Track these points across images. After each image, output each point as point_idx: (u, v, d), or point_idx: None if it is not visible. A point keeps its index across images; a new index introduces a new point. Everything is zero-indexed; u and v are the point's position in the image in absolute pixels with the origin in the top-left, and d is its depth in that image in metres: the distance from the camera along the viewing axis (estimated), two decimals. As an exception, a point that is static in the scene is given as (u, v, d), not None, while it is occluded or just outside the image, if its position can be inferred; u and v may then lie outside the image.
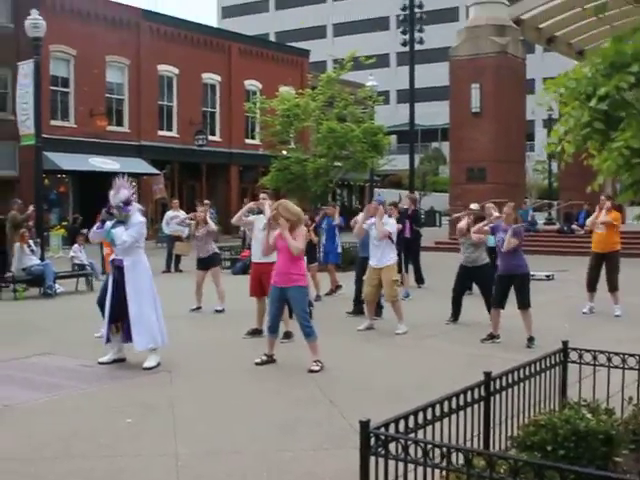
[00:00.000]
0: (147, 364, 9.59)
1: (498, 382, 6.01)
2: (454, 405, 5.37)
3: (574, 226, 30.15)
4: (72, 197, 36.00)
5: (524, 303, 11.34)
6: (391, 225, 12.57)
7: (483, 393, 5.83)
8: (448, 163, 71.36)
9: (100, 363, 9.80)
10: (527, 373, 6.41)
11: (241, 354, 10.49)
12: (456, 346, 11.25)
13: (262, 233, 11.00)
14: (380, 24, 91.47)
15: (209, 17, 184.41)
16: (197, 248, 15.16)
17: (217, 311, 14.51)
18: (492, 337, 11.51)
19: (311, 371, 9.29)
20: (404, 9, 28.24)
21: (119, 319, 9.80)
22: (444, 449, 4.45)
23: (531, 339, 11.21)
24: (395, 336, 12.03)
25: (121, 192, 9.83)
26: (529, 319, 11.38)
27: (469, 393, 5.58)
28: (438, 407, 5.18)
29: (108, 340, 9.91)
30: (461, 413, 5.41)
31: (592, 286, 14.53)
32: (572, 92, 4.79)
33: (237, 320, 13.04)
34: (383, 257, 12.37)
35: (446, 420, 5.22)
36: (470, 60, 31.92)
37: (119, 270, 9.78)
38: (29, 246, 17.90)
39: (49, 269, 17.60)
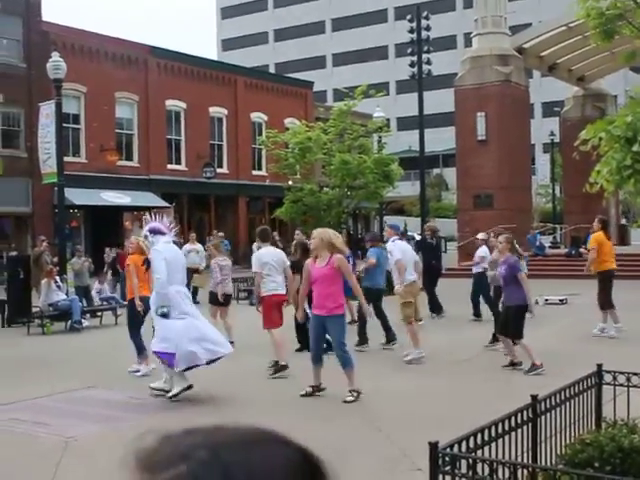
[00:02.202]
0: (171, 392, 9.89)
1: (543, 404, 6.45)
2: (507, 426, 5.82)
3: (582, 249, 30.53)
4: (84, 231, 36.49)
5: (514, 334, 11.44)
6: (394, 253, 12.95)
7: (531, 415, 6.26)
8: (451, 189, 72.09)
9: (151, 388, 10.19)
10: (567, 395, 6.84)
11: (275, 385, 10.87)
12: (479, 373, 11.55)
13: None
14: (378, 53, 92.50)
15: (209, 50, 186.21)
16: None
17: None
18: (513, 364, 11.60)
19: (345, 402, 9.46)
20: (411, 41, 28.90)
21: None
22: (510, 466, 4.89)
23: (533, 366, 11.19)
24: (422, 364, 12.23)
25: (149, 224, 10.50)
26: (525, 349, 11.40)
27: (519, 415, 6.03)
28: (494, 428, 5.62)
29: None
30: (512, 433, 5.85)
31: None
32: (612, 136, 5.26)
33: (257, 351, 13.05)
34: (394, 281, 12.95)
35: (500, 440, 5.65)
36: (475, 89, 32.56)
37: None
38: (56, 282, 18.34)
39: (76, 304, 18.00)
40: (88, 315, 19.09)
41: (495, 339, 13.04)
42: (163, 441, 1.02)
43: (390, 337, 14.00)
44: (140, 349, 11.85)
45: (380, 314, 14.01)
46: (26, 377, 11.92)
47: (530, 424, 6.22)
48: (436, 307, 18.49)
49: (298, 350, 12.98)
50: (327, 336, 10.50)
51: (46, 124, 21.54)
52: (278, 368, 11.40)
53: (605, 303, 14.47)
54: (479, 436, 5.43)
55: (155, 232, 10.36)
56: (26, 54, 33.32)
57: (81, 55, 35.11)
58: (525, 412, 6.14)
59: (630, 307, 17.15)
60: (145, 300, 11.40)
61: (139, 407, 9.57)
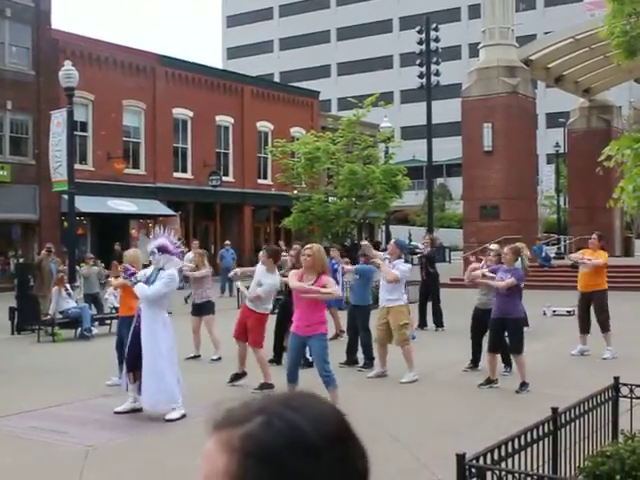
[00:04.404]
0: (169, 416, 9.37)
1: (563, 417, 6.52)
2: (529, 438, 5.91)
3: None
4: (90, 238, 36.59)
5: (515, 349, 11.14)
6: (401, 268, 12.23)
7: (551, 427, 6.33)
8: (455, 199, 72.15)
9: (116, 412, 9.68)
10: (586, 408, 6.92)
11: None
12: (470, 389, 11.28)
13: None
14: (383, 63, 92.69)
15: (214, 58, 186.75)
16: (193, 293, 14.82)
17: (213, 360, 13.92)
18: (490, 382, 11.23)
19: None
20: (420, 52, 29.04)
21: (136, 368, 9.74)
22: (538, 479, 4.97)
23: (523, 385, 10.91)
24: (427, 378, 11.87)
25: (157, 240, 9.95)
26: (521, 365, 11.08)
27: (540, 427, 6.11)
28: (517, 440, 5.71)
29: (127, 388, 9.92)
30: (533, 445, 5.94)
31: (584, 328, 14.15)
32: (638, 154, 5.34)
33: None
34: (391, 296, 12.14)
35: (522, 452, 5.75)
36: (481, 100, 32.69)
37: (140, 319, 9.78)
38: (66, 290, 18.43)
39: (86, 312, 18.09)
40: (97, 323, 19.14)
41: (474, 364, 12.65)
42: (237, 405, 1.21)
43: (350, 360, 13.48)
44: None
45: (369, 335, 13.23)
46: (39, 385, 11.97)
47: (551, 436, 6.30)
48: (439, 319, 18.49)
49: (270, 361, 12.42)
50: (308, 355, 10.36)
51: (57, 132, 21.68)
52: (265, 385, 11.01)
53: (608, 323, 13.87)
54: (503, 448, 5.51)
55: (163, 251, 9.84)
56: (35, 62, 33.46)
57: (89, 63, 35.23)
58: (546, 424, 6.22)
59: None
60: (127, 320, 10.69)
61: (154, 415, 9.58)
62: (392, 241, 13.42)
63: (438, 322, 18.39)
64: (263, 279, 11.29)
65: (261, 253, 11.80)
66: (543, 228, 60.45)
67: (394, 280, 12.14)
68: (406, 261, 12.95)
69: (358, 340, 13.45)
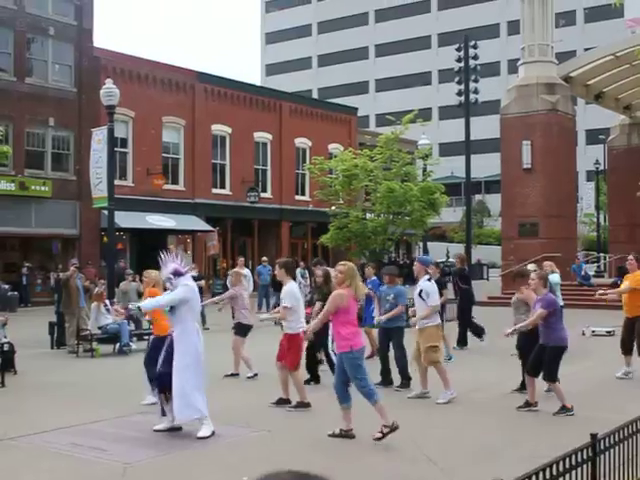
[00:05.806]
0: (201, 434, 9.44)
1: (602, 443, 6.43)
2: (567, 464, 5.83)
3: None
4: (129, 253, 36.92)
5: (548, 376, 10.96)
6: (433, 296, 12.14)
7: (590, 453, 6.24)
8: (493, 216, 71.63)
9: (155, 431, 9.78)
10: (626, 434, 6.81)
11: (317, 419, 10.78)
12: (508, 412, 11.15)
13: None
14: (421, 79, 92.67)
15: (253, 75, 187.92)
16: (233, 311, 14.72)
17: (249, 377, 13.99)
18: (529, 405, 11.09)
19: (375, 439, 8.91)
20: (458, 70, 29.02)
21: (168, 389, 9.77)
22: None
23: (562, 408, 10.70)
24: (450, 401, 11.66)
25: (168, 266, 9.94)
26: (557, 391, 10.90)
27: (579, 453, 6.03)
28: (555, 467, 5.65)
29: (164, 413, 9.91)
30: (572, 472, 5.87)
31: (624, 348, 14.00)
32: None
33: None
34: (424, 318, 12.04)
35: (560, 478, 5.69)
36: (521, 118, 32.56)
37: (171, 340, 9.83)
38: (105, 305, 18.60)
39: (125, 328, 18.23)
40: (135, 338, 19.27)
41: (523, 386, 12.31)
42: None
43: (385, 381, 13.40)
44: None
45: (404, 354, 13.20)
46: (78, 400, 12.08)
47: (590, 462, 6.21)
48: (478, 331, 18.36)
49: (306, 382, 12.45)
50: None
51: (98, 149, 21.98)
52: (300, 404, 11.16)
53: None
54: (540, 475, 5.46)
55: (178, 274, 9.91)
56: (77, 79, 34.01)
57: (130, 80, 35.72)
58: (585, 450, 6.14)
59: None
60: (160, 340, 10.64)
61: (191, 434, 9.61)
62: (415, 261, 13.42)
63: (462, 341, 18.22)
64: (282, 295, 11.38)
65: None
66: (582, 246, 59.85)
67: (435, 310, 12.19)
68: (430, 278, 12.72)
69: (389, 360, 13.41)
